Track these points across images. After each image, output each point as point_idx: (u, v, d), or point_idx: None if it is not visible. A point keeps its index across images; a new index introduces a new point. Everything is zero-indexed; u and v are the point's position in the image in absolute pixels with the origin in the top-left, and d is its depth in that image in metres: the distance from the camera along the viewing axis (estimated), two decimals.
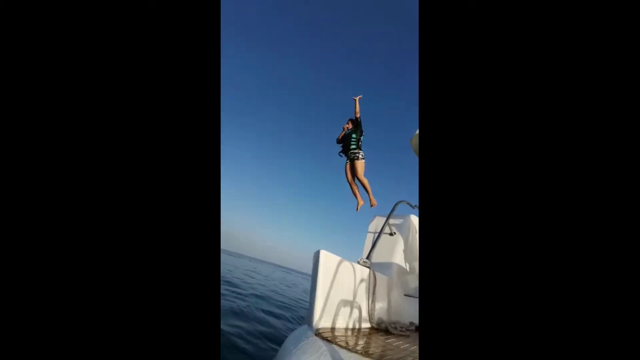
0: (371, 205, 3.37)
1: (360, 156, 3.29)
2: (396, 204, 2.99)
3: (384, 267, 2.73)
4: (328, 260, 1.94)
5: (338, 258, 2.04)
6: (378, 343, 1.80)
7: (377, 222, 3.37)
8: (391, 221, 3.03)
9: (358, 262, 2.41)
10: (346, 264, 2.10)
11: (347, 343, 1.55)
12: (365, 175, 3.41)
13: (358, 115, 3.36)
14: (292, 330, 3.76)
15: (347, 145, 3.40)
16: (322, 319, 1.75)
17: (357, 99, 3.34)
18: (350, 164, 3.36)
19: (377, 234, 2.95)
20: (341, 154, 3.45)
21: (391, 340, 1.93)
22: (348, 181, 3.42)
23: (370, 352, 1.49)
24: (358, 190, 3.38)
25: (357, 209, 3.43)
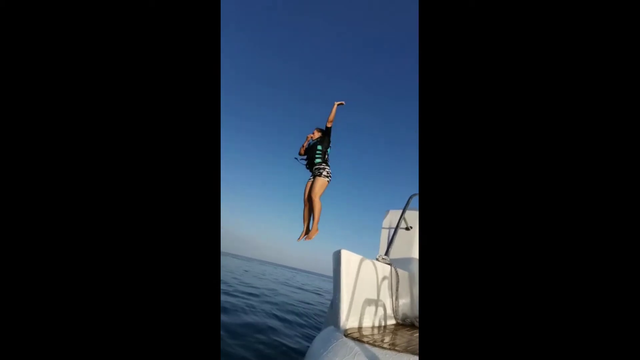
0: (308, 237, 2.75)
1: (325, 173, 2.74)
2: (410, 198, 2.94)
3: (404, 263, 2.68)
4: (349, 259, 1.89)
5: (359, 257, 1.99)
6: (405, 338, 1.77)
7: (391, 217, 3.32)
8: (406, 215, 2.98)
9: (377, 259, 2.36)
10: (367, 262, 2.05)
11: (374, 340, 1.52)
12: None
13: (330, 125, 2.81)
14: (300, 333, 3.72)
15: (311, 158, 2.83)
16: (349, 319, 1.70)
17: (337, 104, 2.81)
18: (312, 180, 2.80)
19: (392, 230, 2.90)
20: (306, 166, 2.89)
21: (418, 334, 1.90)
22: (304, 200, 2.82)
23: (397, 348, 1.47)
24: (309, 217, 2.81)
25: (298, 239, 2.85)
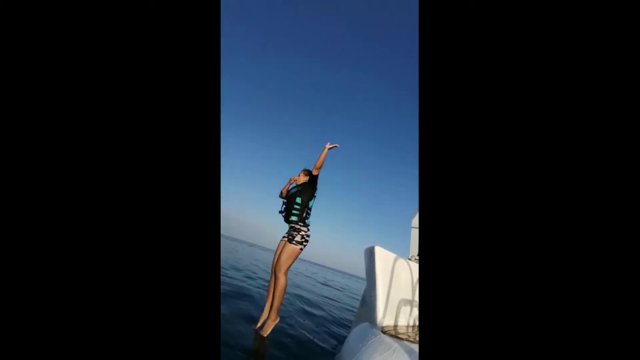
0: (263, 331, 2.16)
1: (298, 238, 2.21)
2: None
3: None
4: (383, 257, 1.90)
5: (393, 255, 1.99)
6: None
7: None
8: None
9: (410, 259, 2.34)
10: (402, 262, 2.05)
11: (408, 337, 1.53)
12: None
13: (316, 173, 2.28)
14: (320, 324, 3.77)
15: (288, 211, 2.35)
16: (385, 317, 1.72)
17: (328, 148, 2.27)
18: (283, 243, 2.30)
19: None
20: (283, 218, 2.41)
21: None
22: (271, 268, 2.29)
23: None
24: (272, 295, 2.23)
25: (255, 326, 2.29)
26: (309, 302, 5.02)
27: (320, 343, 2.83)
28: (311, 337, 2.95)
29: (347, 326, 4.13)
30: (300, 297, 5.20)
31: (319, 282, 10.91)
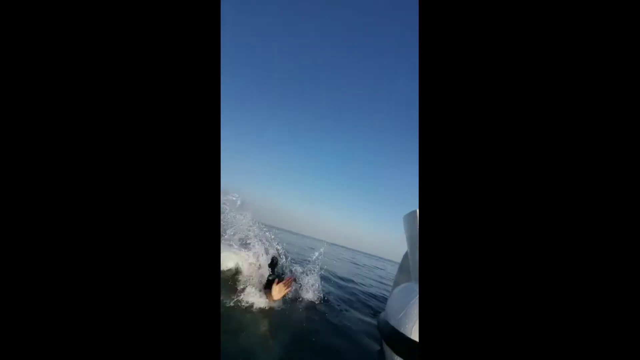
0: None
1: None
2: None
3: None
4: None
5: None
6: None
7: None
8: None
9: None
10: None
11: None
12: None
13: (276, 299, 2.24)
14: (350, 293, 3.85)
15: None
16: None
17: (288, 288, 2.30)
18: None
19: None
20: None
21: None
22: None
23: None
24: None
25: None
26: (341, 276, 5.15)
27: (355, 312, 2.91)
28: (347, 305, 3.04)
29: (380, 296, 4.22)
30: (331, 272, 5.34)
31: (346, 260, 11.12)
